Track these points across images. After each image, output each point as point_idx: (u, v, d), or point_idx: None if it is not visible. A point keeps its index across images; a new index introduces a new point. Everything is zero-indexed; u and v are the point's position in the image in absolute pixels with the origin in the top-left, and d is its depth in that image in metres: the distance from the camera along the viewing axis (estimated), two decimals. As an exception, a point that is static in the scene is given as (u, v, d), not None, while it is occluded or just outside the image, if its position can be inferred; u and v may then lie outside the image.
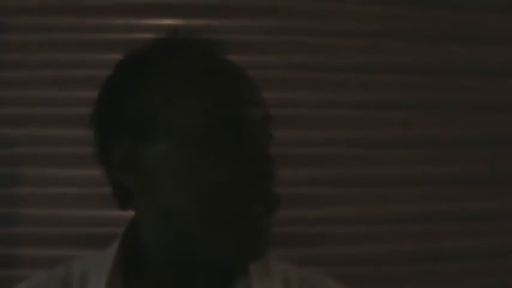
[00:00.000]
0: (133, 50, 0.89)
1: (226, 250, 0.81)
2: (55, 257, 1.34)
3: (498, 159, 1.46)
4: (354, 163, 1.43)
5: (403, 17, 1.47)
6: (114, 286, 0.87)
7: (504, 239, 1.45)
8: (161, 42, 0.90)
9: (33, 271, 1.32)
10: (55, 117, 1.40)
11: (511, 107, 1.49)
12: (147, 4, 1.42)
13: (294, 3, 1.45)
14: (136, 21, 1.42)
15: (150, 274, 0.88)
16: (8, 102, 1.40)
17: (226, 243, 0.81)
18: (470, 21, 1.48)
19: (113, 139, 0.87)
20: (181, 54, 0.88)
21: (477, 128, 1.47)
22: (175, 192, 0.83)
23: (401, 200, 1.43)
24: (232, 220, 0.80)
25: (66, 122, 1.39)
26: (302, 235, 1.40)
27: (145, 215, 0.87)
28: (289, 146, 1.39)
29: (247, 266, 0.86)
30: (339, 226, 1.41)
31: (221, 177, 0.80)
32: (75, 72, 1.40)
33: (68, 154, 1.39)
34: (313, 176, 1.42)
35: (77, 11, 1.42)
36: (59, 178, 1.39)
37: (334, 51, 1.45)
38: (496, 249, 1.44)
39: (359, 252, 1.41)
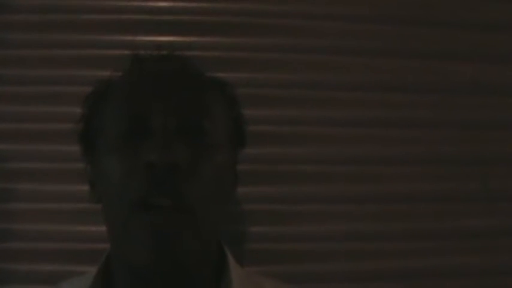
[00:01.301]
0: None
1: (134, 247, 0.81)
2: (50, 273, 1.35)
3: (490, 177, 1.46)
4: (346, 180, 1.43)
5: (400, 36, 1.48)
6: None
7: (495, 257, 1.44)
8: (128, 60, 0.96)
9: (28, 286, 1.32)
10: (50, 133, 1.40)
11: (505, 125, 1.49)
12: (144, 21, 1.43)
13: (290, 20, 1.46)
14: (133, 38, 1.42)
15: None
16: (3, 117, 1.41)
17: (133, 238, 0.81)
18: (466, 39, 1.49)
19: (83, 158, 0.97)
20: (128, 70, 0.95)
21: (469, 145, 1.47)
22: (103, 193, 0.88)
23: (392, 217, 1.43)
24: (130, 213, 0.81)
25: (61, 138, 1.38)
26: (291, 251, 1.39)
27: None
28: (279, 162, 1.39)
29: (172, 270, 0.83)
30: (328, 242, 1.41)
31: (118, 171, 0.83)
32: (70, 88, 1.40)
33: (63, 170, 1.39)
34: (305, 192, 1.42)
35: (74, 27, 1.43)
36: (54, 193, 1.39)
37: (329, 68, 1.46)
38: (487, 268, 1.44)
39: (348, 269, 1.40)
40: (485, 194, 1.46)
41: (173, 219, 0.80)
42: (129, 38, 1.42)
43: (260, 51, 1.44)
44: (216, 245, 0.94)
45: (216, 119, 0.89)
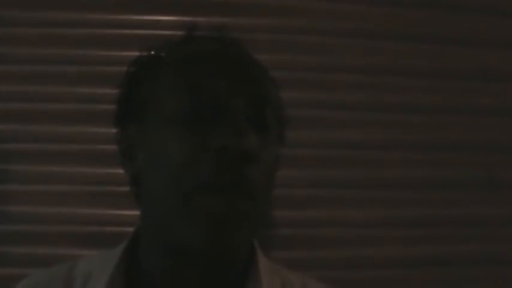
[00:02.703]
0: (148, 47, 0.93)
1: (192, 230, 0.78)
2: (45, 255, 1.34)
3: (495, 164, 1.45)
4: (352, 165, 1.42)
5: (406, 19, 1.46)
6: (115, 285, 0.87)
7: (500, 245, 1.43)
8: (171, 39, 0.92)
9: (23, 269, 1.31)
10: (46, 113, 1.38)
11: (511, 113, 1.48)
12: (147, 0, 1.41)
13: (297, 2, 1.44)
14: (135, 17, 1.41)
15: (152, 276, 0.87)
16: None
17: (191, 221, 0.79)
18: (473, 24, 1.48)
19: (120, 130, 0.91)
20: (177, 48, 0.90)
21: (475, 132, 1.46)
22: (150, 172, 0.84)
23: (398, 203, 1.42)
24: (192, 195, 0.78)
25: (57, 119, 1.37)
26: (301, 237, 1.38)
27: (140, 206, 0.88)
28: (288, 147, 1.37)
29: (227, 254, 0.82)
30: (337, 229, 1.40)
31: (181, 151, 0.80)
32: (68, 68, 1.39)
33: (59, 151, 1.37)
34: (313, 177, 1.41)
35: (74, 6, 1.40)
36: (50, 175, 1.37)
37: (333, 52, 1.44)
38: (492, 255, 1.43)
39: (356, 256, 1.39)
40: (490, 181, 1.45)
41: (235, 205, 0.78)
42: (132, 17, 1.41)
43: (262, 32, 1.42)
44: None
45: (274, 105, 0.87)
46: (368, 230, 1.40)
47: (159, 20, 1.39)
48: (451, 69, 1.46)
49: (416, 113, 1.44)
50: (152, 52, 0.92)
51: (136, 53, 0.93)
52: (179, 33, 0.93)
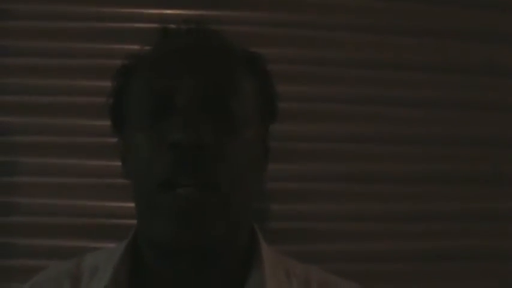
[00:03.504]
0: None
1: (160, 228, 0.79)
2: (54, 247, 1.34)
3: (501, 159, 1.45)
4: (353, 159, 1.41)
5: (412, 14, 1.45)
6: (119, 277, 0.88)
7: (505, 240, 1.43)
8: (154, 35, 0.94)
9: (32, 261, 1.32)
10: (56, 106, 1.38)
11: (517, 108, 1.47)
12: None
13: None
14: (137, 10, 1.40)
15: (153, 269, 0.87)
16: (8, 90, 1.39)
17: (158, 219, 0.79)
18: (480, 19, 1.46)
19: (114, 132, 0.95)
20: (149, 49, 0.92)
21: (481, 127, 1.45)
22: (132, 173, 0.86)
23: (401, 197, 1.41)
24: (155, 194, 0.79)
25: (67, 111, 1.38)
26: (296, 231, 1.38)
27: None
28: (286, 140, 1.37)
29: (195, 249, 0.81)
30: (337, 222, 1.40)
31: (145, 149, 0.81)
32: (76, 61, 1.39)
33: (69, 144, 1.38)
34: (311, 171, 1.40)
35: (81, 0, 1.40)
36: (59, 168, 1.38)
37: (338, 46, 1.43)
38: (497, 250, 1.43)
39: (357, 250, 1.39)
40: (496, 176, 1.44)
41: (198, 199, 0.78)
42: (135, 11, 1.41)
43: (262, 26, 1.41)
44: (247, 225, 0.92)
45: (244, 95, 0.86)
46: (370, 224, 1.40)
47: (162, 14, 1.39)
48: (456, 64, 1.46)
49: (421, 107, 1.44)
50: (134, 51, 0.94)
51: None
52: (159, 27, 0.95)
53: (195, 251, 0.81)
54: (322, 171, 1.41)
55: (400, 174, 1.42)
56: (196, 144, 0.77)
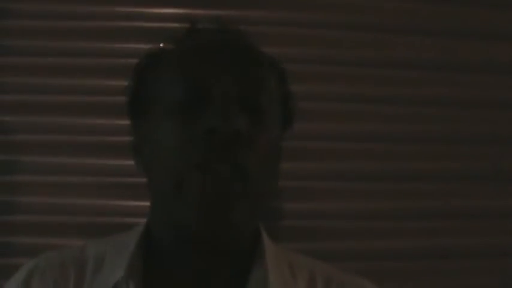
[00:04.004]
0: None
1: (185, 213, 0.81)
2: (54, 246, 1.33)
3: (501, 157, 1.45)
4: (356, 158, 1.42)
5: (414, 13, 1.46)
6: (134, 269, 0.88)
7: (506, 237, 1.43)
8: (176, 33, 0.95)
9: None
10: (57, 105, 1.38)
11: (516, 105, 1.47)
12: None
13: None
14: (139, 10, 1.41)
15: (167, 261, 0.88)
16: (10, 89, 1.39)
17: (183, 204, 0.81)
18: (479, 17, 1.47)
19: (131, 124, 0.95)
20: (178, 41, 0.93)
21: (483, 125, 1.45)
22: (153, 161, 0.87)
23: (403, 195, 1.42)
24: (183, 178, 0.81)
25: (68, 110, 1.38)
26: (305, 229, 1.39)
27: (150, 196, 0.90)
28: (293, 139, 1.37)
29: (223, 239, 0.83)
30: (341, 221, 1.40)
31: (176, 137, 0.82)
32: (76, 60, 1.39)
33: (70, 142, 1.38)
34: (322, 169, 1.41)
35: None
36: (60, 166, 1.38)
37: (341, 45, 1.44)
38: (497, 248, 1.43)
39: (361, 247, 1.40)
40: (496, 174, 1.45)
41: (227, 184, 0.80)
42: (136, 10, 1.41)
43: (267, 25, 1.42)
44: (261, 217, 0.94)
45: (271, 95, 0.89)
46: (371, 223, 1.41)
47: (169, 13, 1.39)
48: (458, 62, 1.46)
49: (423, 106, 1.44)
50: (156, 47, 0.95)
51: (150, 45, 0.96)
52: (185, 26, 0.96)
53: (216, 234, 0.82)
54: (327, 170, 1.41)
55: (403, 172, 1.43)
56: (232, 131, 0.80)
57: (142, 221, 0.96)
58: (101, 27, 1.40)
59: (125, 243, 0.92)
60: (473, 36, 1.47)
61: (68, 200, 1.37)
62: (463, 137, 1.45)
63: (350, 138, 1.42)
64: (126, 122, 0.97)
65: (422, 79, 1.45)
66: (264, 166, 0.84)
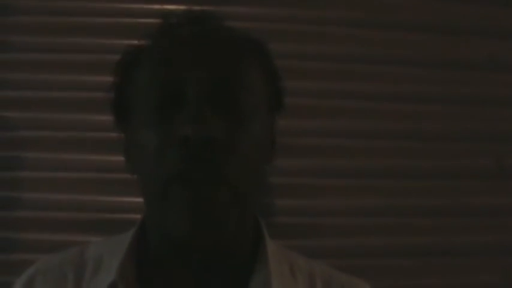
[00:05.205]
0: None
1: (173, 222, 0.79)
2: (57, 242, 1.34)
3: (504, 154, 1.45)
4: (359, 155, 1.41)
5: (417, 10, 1.45)
6: (126, 271, 0.87)
7: (507, 235, 1.43)
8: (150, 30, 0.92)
9: (36, 256, 1.32)
10: (59, 101, 1.39)
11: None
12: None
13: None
14: (143, 6, 1.41)
15: (160, 261, 0.88)
16: (11, 85, 1.39)
17: (170, 213, 0.79)
18: (481, 15, 1.46)
19: (118, 128, 0.93)
20: (153, 41, 0.90)
21: (485, 122, 1.45)
22: (138, 166, 0.85)
23: (405, 193, 1.42)
24: (167, 188, 0.79)
25: (70, 106, 1.38)
26: (302, 226, 1.39)
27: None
28: (290, 135, 1.38)
29: (212, 243, 0.81)
30: (342, 218, 1.40)
31: (153, 143, 0.80)
32: (78, 56, 1.39)
33: (71, 138, 1.38)
34: (318, 166, 1.41)
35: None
36: (62, 162, 1.38)
37: (342, 42, 1.43)
38: (500, 245, 1.43)
39: (361, 245, 1.40)
40: (499, 171, 1.44)
41: (210, 192, 0.78)
42: (137, 6, 1.42)
43: (264, 22, 1.41)
44: (254, 217, 0.92)
45: (252, 86, 0.85)
46: (373, 219, 1.41)
47: (172, 10, 1.39)
48: (460, 59, 1.46)
49: (425, 103, 1.44)
50: (132, 45, 0.93)
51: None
52: (160, 21, 0.92)
53: (207, 243, 0.81)
54: (328, 167, 1.41)
55: (404, 169, 1.43)
56: (206, 138, 0.77)
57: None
58: (103, 24, 1.41)
59: (122, 244, 0.91)
60: (474, 34, 1.47)
61: (70, 196, 1.37)
62: (464, 135, 1.45)
63: (351, 135, 1.42)
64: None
65: (424, 76, 1.44)
66: (248, 167, 0.81)
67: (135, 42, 0.93)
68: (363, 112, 1.42)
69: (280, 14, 1.42)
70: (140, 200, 1.24)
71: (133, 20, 1.40)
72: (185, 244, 0.81)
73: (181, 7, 1.36)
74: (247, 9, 1.41)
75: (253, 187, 0.84)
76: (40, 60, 1.39)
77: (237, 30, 0.90)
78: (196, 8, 0.91)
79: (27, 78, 1.39)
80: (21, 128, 1.38)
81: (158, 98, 0.82)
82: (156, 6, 1.40)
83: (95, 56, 1.39)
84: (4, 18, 1.40)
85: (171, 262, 0.86)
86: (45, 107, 1.39)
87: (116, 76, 0.92)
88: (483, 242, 1.42)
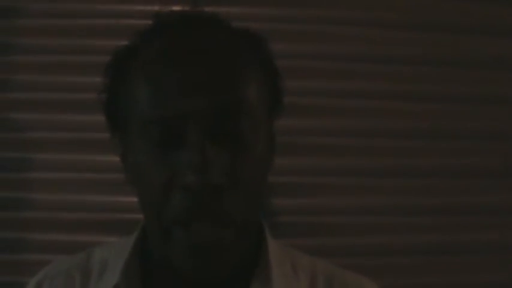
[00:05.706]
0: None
1: (178, 259, 0.78)
2: (65, 242, 1.37)
3: (503, 153, 1.45)
4: (359, 153, 1.42)
5: (421, 9, 1.45)
6: (130, 273, 0.88)
7: (508, 233, 1.43)
8: (144, 29, 0.89)
9: (43, 256, 1.34)
10: (66, 103, 1.41)
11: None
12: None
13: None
14: (149, 8, 1.41)
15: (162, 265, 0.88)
16: (19, 87, 1.41)
17: (175, 252, 0.78)
18: (484, 13, 1.46)
19: (113, 136, 0.90)
20: (146, 47, 0.84)
21: (491, 121, 1.45)
22: (137, 186, 0.82)
23: (406, 191, 1.42)
24: (171, 229, 0.77)
25: (77, 108, 1.40)
26: (302, 225, 1.40)
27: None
28: (291, 135, 1.38)
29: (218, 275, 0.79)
30: (344, 216, 1.41)
31: (155, 181, 0.76)
32: (84, 57, 1.41)
33: (79, 139, 1.40)
34: (319, 165, 1.42)
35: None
36: (70, 163, 1.40)
37: (343, 41, 1.44)
38: (501, 244, 1.43)
39: (364, 243, 1.40)
40: (505, 169, 1.44)
41: (215, 235, 0.76)
42: (139, 7, 1.43)
43: (266, 22, 1.41)
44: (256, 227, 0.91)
45: (254, 105, 0.80)
46: (379, 218, 1.41)
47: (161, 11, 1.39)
48: (461, 58, 1.46)
49: (431, 101, 1.44)
50: (123, 48, 0.88)
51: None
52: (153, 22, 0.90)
53: (210, 277, 0.79)
54: (328, 166, 1.42)
55: (405, 168, 1.43)
56: (209, 186, 0.73)
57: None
58: (109, 26, 1.43)
59: (126, 246, 0.92)
60: (482, 33, 1.47)
61: (78, 197, 1.40)
62: (465, 133, 1.45)
63: (353, 134, 1.43)
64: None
65: (430, 75, 1.45)
66: (252, 196, 0.79)
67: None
68: (363, 111, 1.42)
69: (280, 14, 1.43)
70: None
71: (139, 21, 1.40)
72: (186, 274, 0.81)
73: (184, 8, 1.38)
74: (247, 9, 1.42)
75: (257, 208, 0.82)
76: (47, 62, 1.41)
77: (235, 29, 0.87)
78: (194, 9, 0.89)
79: (33, 80, 1.41)
80: (28, 129, 1.40)
81: (158, 133, 0.77)
82: (164, 8, 1.41)
83: (102, 58, 1.39)
84: (9, 20, 1.42)
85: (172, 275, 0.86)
86: (52, 108, 1.41)
87: (107, 76, 0.89)
88: (484, 240, 1.42)
